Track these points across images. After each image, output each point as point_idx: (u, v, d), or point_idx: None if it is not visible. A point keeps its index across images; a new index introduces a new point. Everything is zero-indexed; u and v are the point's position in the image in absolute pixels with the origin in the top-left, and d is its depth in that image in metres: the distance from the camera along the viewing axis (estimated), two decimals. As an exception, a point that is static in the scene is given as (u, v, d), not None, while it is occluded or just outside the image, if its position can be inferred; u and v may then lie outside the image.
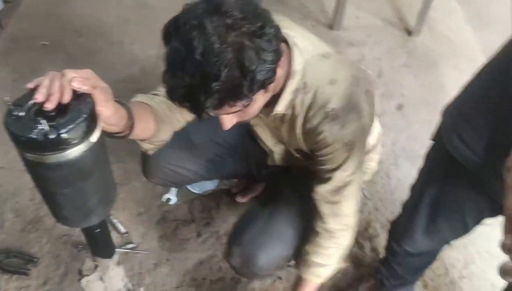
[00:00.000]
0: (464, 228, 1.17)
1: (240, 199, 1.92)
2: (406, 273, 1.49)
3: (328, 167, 1.09)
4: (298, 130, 1.11)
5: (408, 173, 2.06)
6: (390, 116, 2.36)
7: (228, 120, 0.97)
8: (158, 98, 1.13)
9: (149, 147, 1.20)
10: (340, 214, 1.16)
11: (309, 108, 1.05)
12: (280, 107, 1.06)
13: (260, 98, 0.94)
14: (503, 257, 0.59)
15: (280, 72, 0.96)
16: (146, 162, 1.40)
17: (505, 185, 0.49)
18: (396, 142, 2.23)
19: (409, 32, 2.87)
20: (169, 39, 0.85)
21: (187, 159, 1.40)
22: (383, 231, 1.86)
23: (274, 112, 1.07)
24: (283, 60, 0.96)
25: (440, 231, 1.20)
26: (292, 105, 1.07)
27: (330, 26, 2.80)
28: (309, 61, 1.03)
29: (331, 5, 2.84)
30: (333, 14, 2.77)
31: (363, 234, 1.88)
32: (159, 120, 1.10)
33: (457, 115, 1.02)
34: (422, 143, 1.13)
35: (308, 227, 1.26)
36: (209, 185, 1.91)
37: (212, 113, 0.87)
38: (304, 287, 1.31)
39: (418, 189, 1.22)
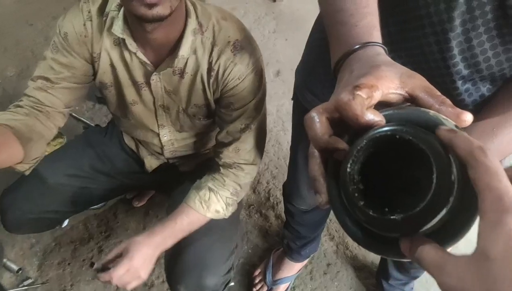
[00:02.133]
0: None
1: (137, 204, 1.85)
2: (308, 231, 1.53)
3: (240, 104, 1.08)
4: (205, 77, 1.08)
5: (296, 135, 2.12)
6: (270, 84, 2.38)
7: None
8: (22, 111, 1.05)
9: (25, 168, 1.10)
10: (244, 148, 1.13)
11: (212, 46, 1.05)
12: (184, 50, 1.03)
13: None
14: None
15: (179, 11, 0.98)
16: (4, 217, 1.26)
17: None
18: (280, 108, 2.27)
19: (273, -2, 2.90)
20: None
21: (49, 202, 1.28)
22: (284, 197, 1.90)
23: (178, 56, 1.03)
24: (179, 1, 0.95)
25: None
26: (194, 49, 1.05)
27: (195, 7, 2.75)
28: (194, 3, 1.06)
29: (191, -15, 2.80)
30: (195, -6, 2.72)
31: (265, 204, 1.90)
32: (26, 141, 1.02)
33: (305, 71, 1.05)
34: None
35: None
36: (100, 197, 1.82)
37: None
38: (185, 213, 1.13)
39: (293, 148, 1.25)
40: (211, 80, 1.08)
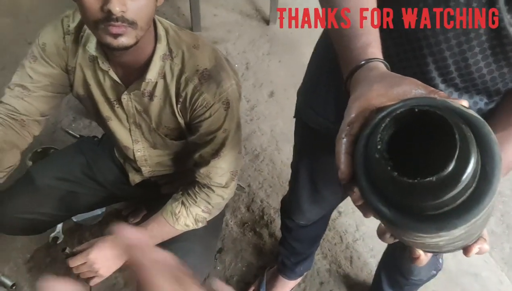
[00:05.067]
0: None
1: (132, 220, 1.87)
2: (303, 247, 1.56)
3: (208, 130, 1.10)
4: (174, 102, 1.10)
5: (290, 154, 2.09)
6: (264, 104, 2.43)
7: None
8: None
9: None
10: (216, 172, 1.16)
11: (181, 72, 1.07)
12: (151, 74, 1.05)
13: None
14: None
15: (148, 37, 1.00)
16: None
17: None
18: (274, 128, 2.32)
19: (267, 22, 2.97)
20: None
21: (37, 204, 1.31)
22: (278, 216, 1.92)
23: (146, 80, 1.06)
24: (150, 25, 0.99)
25: (324, 197, 1.28)
26: (162, 74, 1.07)
27: (190, 29, 2.80)
28: (168, 29, 1.08)
29: (187, 7, 2.85)
30: (190, 16, 2.78)
31: (259, 222, 1.93)
32: None
33: (307, 90, 1.10)
34: (298, 124, 1.19)
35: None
36: (96, 211, 1.83)
37: None
38: (156, 222, 1.20)
39: (295, 164, 1.29)
40: (179, 106, 1.10)
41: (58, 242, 1.76)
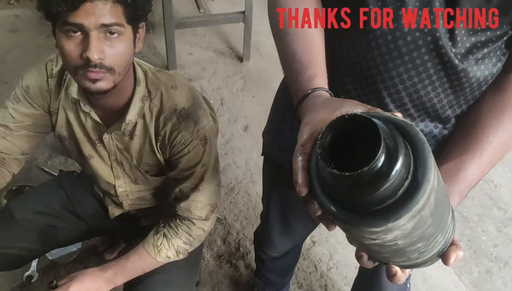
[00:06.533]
0: (314, 221, 1.29)
1: (108, 256, 1.87)
2: (278, 277, 1.59)
3: (187, 165, 1.14)
4: (153, 140, 1.15)
5: (264, 186, 2.20)
6: (239, 138, 2.50)
7: (98, 46, 0.92)
8: None
9: None
10: (196, 206, 1.18)
11: (160, 112, 1.11)
12: (131, 115, 1.10)
13: (130, 37, 0.98)
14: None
15: (127, 80, 1.06)
16: None
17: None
18: (249, 161, 2.37)
19: (240, 59, 3.07)
20: None
21: (15, 238, 1.32)
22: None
23: (126, 121, 1.10)
24: (129, 69, 1.04)
25: (295, 229, 1.32)
26: (141, 114, 1.12)
27: (166, 67, 2.88)
28: (147, 72, 1.13)
29: (163, 46, 2.93)
30: (166, 55, 2.85)
31: (235, 254, 1.95)
32: None
33: (272, 129, 1.15)
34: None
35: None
36: (71, 248, 1.83)
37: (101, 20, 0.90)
38: (138, 254, 1.20)
39: (265, 199, 1.33)
40: (159, 144, 1.15)
41: (32, 281, 1.75)
